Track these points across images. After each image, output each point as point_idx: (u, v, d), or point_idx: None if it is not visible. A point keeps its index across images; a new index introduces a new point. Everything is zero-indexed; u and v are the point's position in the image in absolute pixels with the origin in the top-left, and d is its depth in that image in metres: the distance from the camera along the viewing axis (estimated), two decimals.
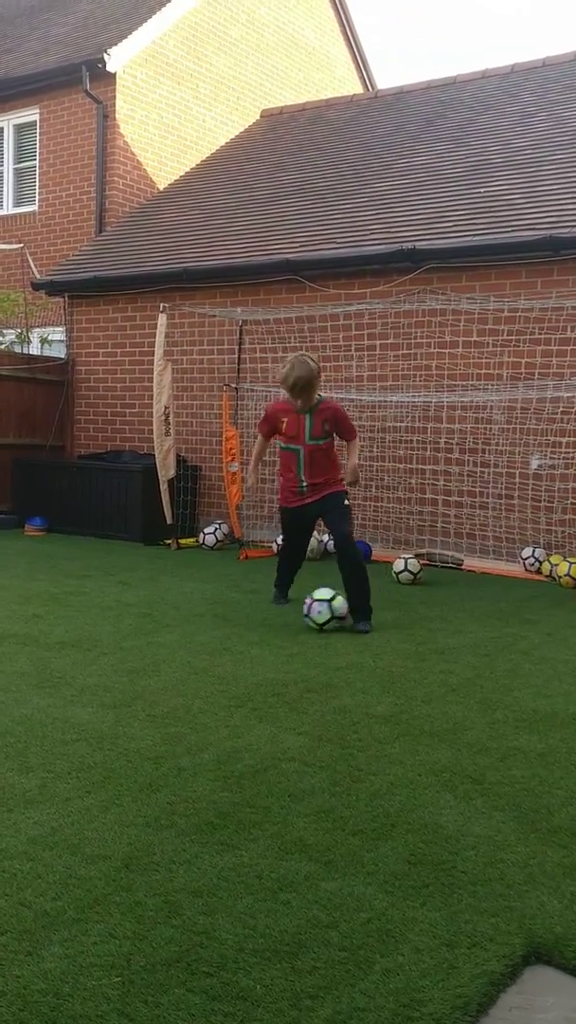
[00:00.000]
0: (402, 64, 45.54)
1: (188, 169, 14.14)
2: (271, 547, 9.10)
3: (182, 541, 9.63)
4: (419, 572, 7.54)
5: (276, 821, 2.79)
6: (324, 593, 5.63)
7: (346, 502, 6.01)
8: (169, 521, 9.48)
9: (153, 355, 9.61)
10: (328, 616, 5.58)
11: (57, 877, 2.41)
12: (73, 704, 3.95)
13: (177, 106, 14.10)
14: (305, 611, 5.64)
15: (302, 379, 5.68)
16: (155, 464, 9.48)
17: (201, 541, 9.60)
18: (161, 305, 9.49)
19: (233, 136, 14.94)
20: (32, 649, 4.90)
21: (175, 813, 2.83)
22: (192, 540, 9.80)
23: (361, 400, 9.22)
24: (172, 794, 2.98)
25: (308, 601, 5.64)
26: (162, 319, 9.29)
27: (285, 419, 5.90)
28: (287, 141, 13.78)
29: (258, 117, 15.40)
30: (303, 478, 5.91)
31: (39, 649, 4.92)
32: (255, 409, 9.84)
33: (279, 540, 6.76)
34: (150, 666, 4.61)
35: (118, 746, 3.43)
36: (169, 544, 9.54)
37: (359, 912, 2.27)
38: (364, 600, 5.75)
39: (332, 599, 5.61)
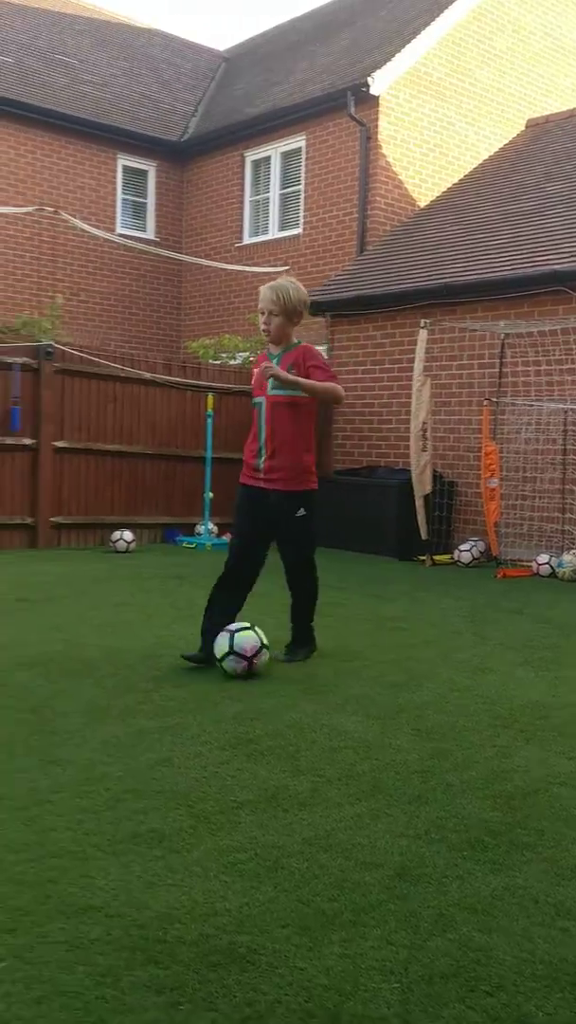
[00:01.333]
0: None
1: (450, 185, 14.13)
2: (530, 566, 8.87)
3: (437, 557, 9.60)
4: None
5: (550, 845, 2.72)
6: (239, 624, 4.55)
7: (302, 512, 4.72)
8: (424, 537, 9.48)
9: (411, 371, 9.68)
10: (226, 650, 4.45)
11: (332, 879, 2.47)
12: (339, 712, 4.04)
13: (439, 123, 14.14)
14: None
15: (275, 295, 4.64)
16: (411, 480, 9.52)
17: (456, 558, 9.52)
18: (422, 321, 9.54)
19: (496, 149, 14.77)
20: None
21: (445, 828, 2.83)
22: (447, 557, 9.75)
23: None
24: (441, 809, 2.97)
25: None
26: (422, 335, 9.33)
27: (256, 369, 4.86)
28: (553, 150, 13.45)
29: (523, 128, 15.14)
30: (263, 443, 4.72)
31: None
32: (515, 424, 9.65)
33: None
34: (412, 680, 4.63)
35: (384, 757, 3.47)
36: (424, 560, 9.53)
37: None
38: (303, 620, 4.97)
39: (239, 630, 4.49)
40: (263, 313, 4.65)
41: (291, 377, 4.60)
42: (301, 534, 4.80)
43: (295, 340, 4.77)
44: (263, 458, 4.69)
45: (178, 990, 1.95)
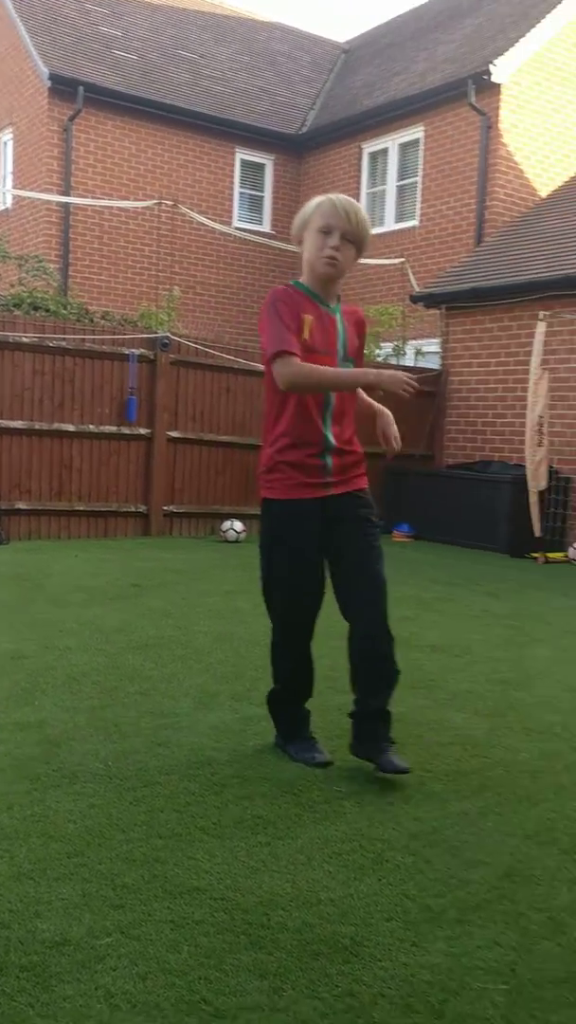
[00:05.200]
0: None
1: (573, 175, 13.74)
2: None
3: (550, 555, 9.37)
4: None
5: None
6: None
7: (375, 517, 3.27)
8: (537, 534, 9.26)
9: (527, 365, 9.46)
10: None
11: (438, 875, 2.43)
12: (447, 707, 3.98)
13: (563, 110, 13.76)
14: None
15: (353, 213, 3.07)
16: (524, 475, 9.31)
17: (571, 556, 9.27)
18: (540, 313, 9.31)
19: None
20: (404, 650, 4.96)
21: (556, 830, 2.75)
22: (561, 555, 9.50)
23: None
24: (552, 810, 2.89)
25: None
26: (541, 327, 9.11)
27: (307, 316, 3.08)
28: None
29: None
30: (330, 436, 3.13)
31: (409, 651, 5.01)
32: None
33: (281, 600, 3.26)
34: (523, 679, 4.53)
35: (493, 755, 3.40)
36: (536, 558, 9.32)
37: None
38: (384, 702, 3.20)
39: None
40: (328, 232, 3.05)
41: (397, 436, 3.29)
42: (378, 539, 3.28)
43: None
44: (331, 450, 3.13)
45: (280, 976, 1.95)
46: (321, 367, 3.03)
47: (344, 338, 3.14)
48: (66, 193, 14.26)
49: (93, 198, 14.36)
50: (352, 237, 3.08)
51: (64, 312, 9.89)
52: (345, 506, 3.17)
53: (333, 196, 3.12)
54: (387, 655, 3.18)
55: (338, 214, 3.05)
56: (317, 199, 3.12)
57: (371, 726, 3.13)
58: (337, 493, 3.16)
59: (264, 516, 3.24)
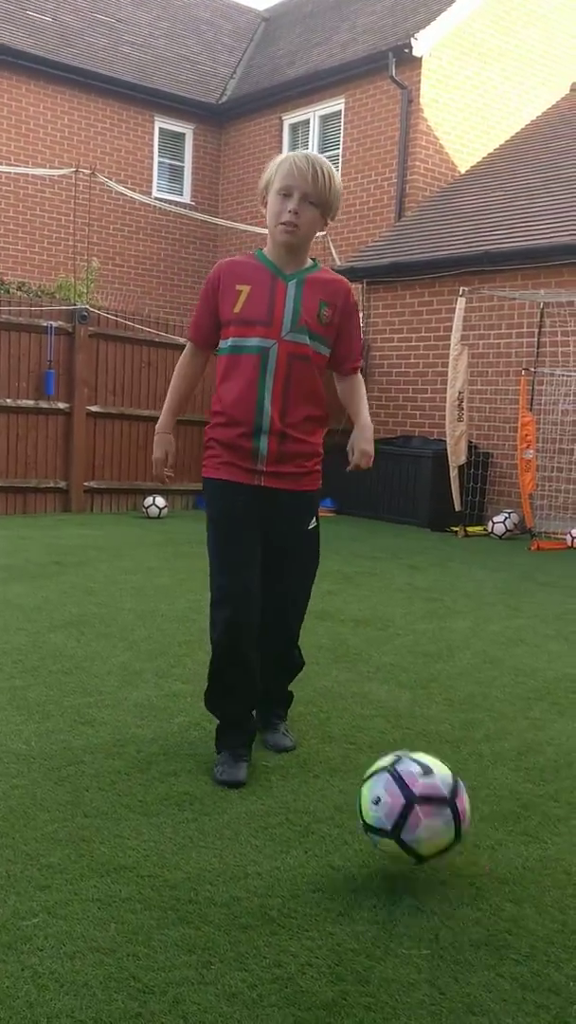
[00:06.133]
0: None
1: (491, 150, 13.89)
2: (565, 539, 8.79)
3: (470, 529, 9.54)
4: None
5: None
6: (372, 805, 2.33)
7: (315, 523, 3.07)
8: (457, 508, 9.42)
9: (448, 340, 9.57)
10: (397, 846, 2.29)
11: (363, 846, 2.47)
12: (370, 680, 4.03)
13: (482, 86, 13.87)
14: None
15: (317, 171, 2.79)
16: (445, 450, 9.44)
17: (490, 530, 9.46)
18: (461, 289, 9.41)
19: (540, 113, 14.47)
20: (328, 624, 5.06)
21: (476, 799, 2.81)
22: (480, 528, 9.68)
23: None
24: (472, 779, 2.96)
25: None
26: (460, 303, 9.21)
27: (243, 287, 2.86)
28: None
29: (568, 91, 14.80)
30: (268, 410, 2.83)
31: (334, 624, 5.07)
32: (554, 395, 9.52)
33: (220, 588, 2.92)
34: (444, 651, 4.62)
35: (415, 726, 3.47)
36: (456, 531, 9.48)
37: None
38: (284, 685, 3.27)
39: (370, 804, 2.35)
40: (288, 195, 2.80)
41: (371, 450, 3.10)
42: (314, 553, 3.14)
43: (310, 259, 2.98)
44: (265, 432, 2.84)
45: (209, 950, 1.97)
46: (182, 375, 3.07)
47: (295, 307, 2.83)
48: None
49: (8, 165, 13.97)
50: (315, 199, 2.81)
51: None
52: (277, 509, 2.92)
53: (295, 154, 2.84)
54: (291, 672, 3.29)
55: (298, 174, 2.77)
56: (280, 157, 2.88)
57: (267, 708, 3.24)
58: (269, 487, 2.89)
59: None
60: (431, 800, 2.22)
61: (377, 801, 2.23)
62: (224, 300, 2.89)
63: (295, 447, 2.89)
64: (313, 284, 2.89)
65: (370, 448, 3.06)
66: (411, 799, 2.20)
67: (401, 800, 2.21)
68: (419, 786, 2.23)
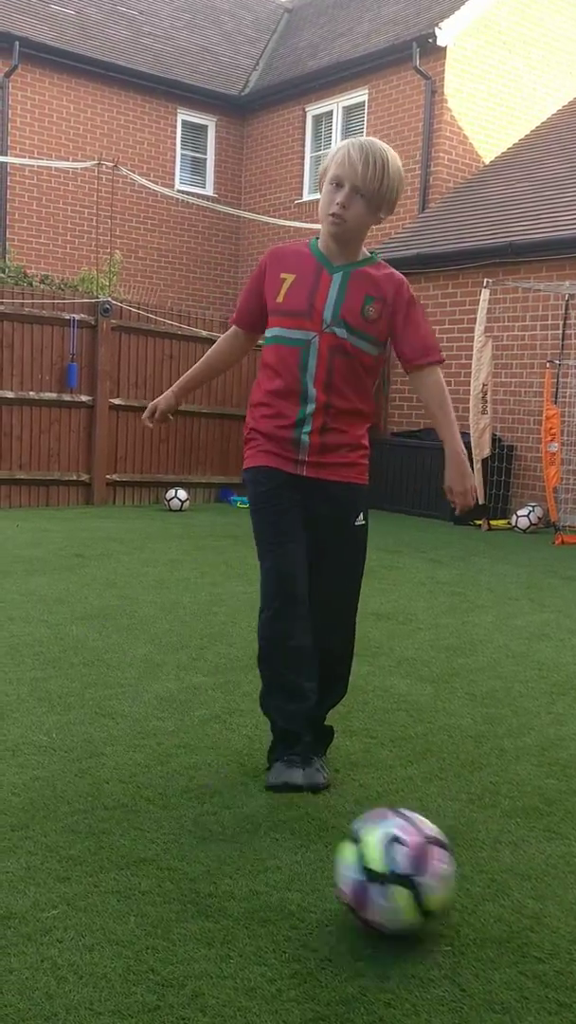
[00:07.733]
0: None
1: (516, 140, 13.77)
2: None
3: (493, 522, 9.48)
4: None
5: None
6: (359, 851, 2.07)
7: (363, 521, 2.90)
8: (481, 501, 9.35)
9: (472, 332, 9.50)
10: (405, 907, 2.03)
11: None
12: (392, 674, 4.01)
13: (507, 75, 13.75)
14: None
15: (371, 159, 2.63)
16: (468, 443, 9.38)
17: (514, 523, 9.40)
18: (485, 280, 9.34)
19: (566, 103, 14.33)
20: None
21: (499, 793, 2.79)
22: (504, 522, 9.62)
23: None
24: (495, 774, 2.94)
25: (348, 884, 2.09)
26: (484, 295, 9.14)
27: (287, 276, 2.78)
28: None
29: None
30: (310, 403, 2.73)
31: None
32: None
33: (268, 574, 2.82)
34: (467, 645, 4.59)
35: (437, 720, 3.45)
36: (480, 525, 9.43)
37: None
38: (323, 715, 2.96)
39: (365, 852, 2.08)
40: (338, 185, 2.67)
41: (471, 483, 2.94)
42: (361, 552, 2.98)
43: (366, 251, 2.84)
44: (309, 419, 2.74)
45: (228, 944, 1.96)
46: (214, 350, 3.02)
47: (337, 300, 2.69)
48: (2, 153, 13.89)
49: (30, 158, 14.00)
50: (365, 192, 2.64)
51: (2, 276, 9.67)
52: (321, 500, 2.81)
53: (352, 142, 2.69)
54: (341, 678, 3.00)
55: (348, 164, 2.64)
56: (343, 142, 2.72)
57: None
58: (311, 477, 2.79)
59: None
60: (444, 845, 2.05)
61: (393, 842, 1.98)
62: (269, 287, 2.81)
63: (337, 439, 2.78)
64: (361, 278, 2.74)
65: (462, 485, 2.87)
66: (428, 838, 2.02)
67: (420, 839, 2.00)
68: (429, 828, 2.06)
